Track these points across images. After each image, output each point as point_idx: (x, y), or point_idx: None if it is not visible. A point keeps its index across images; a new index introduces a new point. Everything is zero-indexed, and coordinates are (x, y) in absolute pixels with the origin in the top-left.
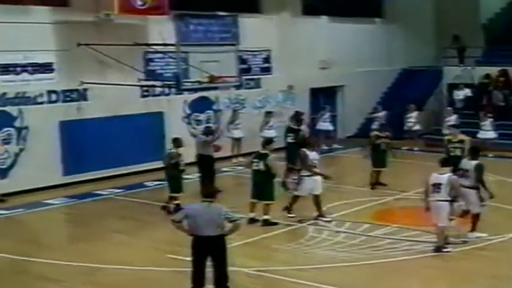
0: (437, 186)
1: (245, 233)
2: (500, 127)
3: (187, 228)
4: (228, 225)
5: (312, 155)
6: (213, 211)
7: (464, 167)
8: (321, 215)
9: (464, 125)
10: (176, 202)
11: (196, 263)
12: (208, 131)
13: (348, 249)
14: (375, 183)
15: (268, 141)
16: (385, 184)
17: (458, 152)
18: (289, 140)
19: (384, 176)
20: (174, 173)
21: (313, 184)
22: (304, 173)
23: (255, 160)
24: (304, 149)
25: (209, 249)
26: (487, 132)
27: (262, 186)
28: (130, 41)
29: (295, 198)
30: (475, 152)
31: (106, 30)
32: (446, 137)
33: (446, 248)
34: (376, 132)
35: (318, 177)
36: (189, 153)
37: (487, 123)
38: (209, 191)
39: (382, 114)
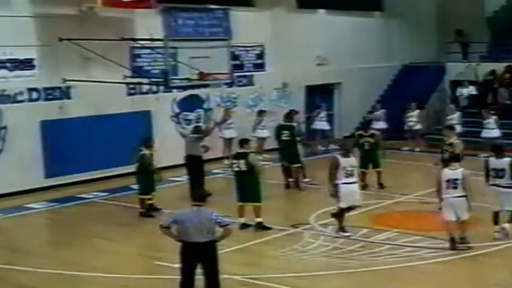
0: (452, 182)
1: (236, 239)
2: (505, 126)
3: (176, 234)
4: (219, 231)
5: (348, 161)
6: (203, 216)
7: (496, 166)
8: (342, 228)
9: (468, 124)
10: (150, 202)
11: (185, 270)
12: (197, 131)
13: (346, 256)
14: (364, 185)
15: (245, 140)
16: (382, 186)
17: (445, 155)
18: (284, 137)
19: (382, 177)
20: (147, 175)
21: (353, 193)
22: (342, 180)
23: (234, 161)
24: (337, 155)
25: (199, 256)
26: (491, 130)
27: (246, 188)
28: (116, 36)
29: (342, 211)
30: (499, 149)
31: (90, 24)
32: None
33: (465, 243)
34: (360, 131)
35: (356, 186)
36: (178, 155)
37: (491, 121)
38: (199, 194)
39: (380, 112)
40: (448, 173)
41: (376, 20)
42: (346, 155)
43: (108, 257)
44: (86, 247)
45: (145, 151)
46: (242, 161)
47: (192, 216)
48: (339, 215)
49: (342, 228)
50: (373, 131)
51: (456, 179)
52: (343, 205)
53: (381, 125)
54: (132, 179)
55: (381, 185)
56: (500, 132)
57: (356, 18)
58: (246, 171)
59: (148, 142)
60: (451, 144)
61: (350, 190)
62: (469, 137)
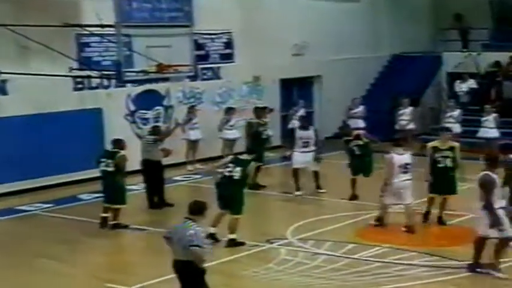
0: (403, 167)
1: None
2: (510, 125)
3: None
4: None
5: (402, 158)
6: (184, 232)
7: None
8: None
9: (467, 123)
10: (106, 215)
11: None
12: (156, 132)
13: (328, 275)
14: (354, 195)
15: (251, 151)
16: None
17: (449, 163)
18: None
19: (369, 184)
20: (122, 181)
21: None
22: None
23: (231, 165)
24: (392, 152)
25: (178, 275)
26: (489, 130)
27: (232, 197)
28: (59, 22)
29: (295, 172)
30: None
31: (28, 8)
32: (430, 144)
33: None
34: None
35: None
36: (133, 159)
37: (490, 118)
38: (195, 206)
39: (360, 109)
40: (398, 158)
41: (361, 5)
42: (304, 127)
43: (52, 279)
44: (28, 268)
45: (123, 152)
46: (239, 169)
47: (176, 230)
48: (294, 174)
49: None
50: (359, 132)
51: (407, 164)
52: (294, 166)
53: (360, 124)
54: (81, 187)
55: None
56: (499, 132)
57: (338, 2)
58: (238, 180)
59: (121, 143)
60: (452, 148)
61: (302, 156)
62: (469, 138)
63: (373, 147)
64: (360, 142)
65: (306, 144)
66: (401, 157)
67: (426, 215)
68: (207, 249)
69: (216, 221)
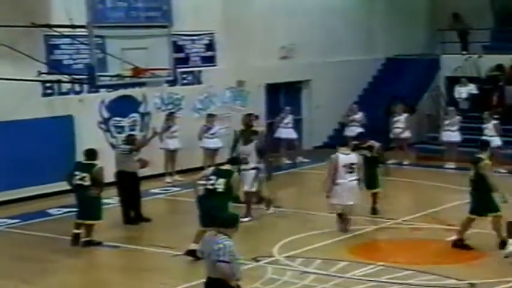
0: (349, 167)
1: (182, 275)
2: None
3: None
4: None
5: (347, 158)
6: (211, 245)
7: None
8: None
9: (467, 131)
10: (78, 232)
11: None
12: (131, 141)
13: None
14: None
15: (235, 160)
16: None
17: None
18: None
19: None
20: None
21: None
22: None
23: (213, 177)
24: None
25: None
26: (490, 138)
27: (216, 211)
28: (26, 22)
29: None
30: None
31: None
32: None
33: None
34: (355, 142)
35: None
36: (107, 170)
37: (490, 125)
38: (225, 218)
39: (359, 116)
40: (343, 157)
41: (353, 3)
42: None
43: None
44: None
45: (100, 164)
46: (222, 181)
47: (208, 244)
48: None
49: None
50: (371, 143)
51: (352, 164)
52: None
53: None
54: (50, 201)
55: (374, 210)
56: (501, 141)
57: (330, 1)
58: (221, 193)
59: (95, 154)
60: (370, 148)
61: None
62: (470, 147)
63: (383, 158)
64: (368, 153)
65: (245, 161)
66: (346, 157)
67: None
68: (237, 265)
69: (199, 237)
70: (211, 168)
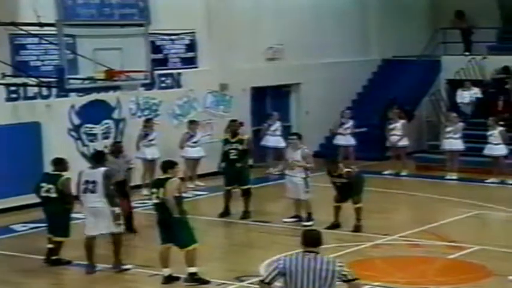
0: (91, 183)
1: None
2: None
3: None
4: None
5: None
6: (320, 267)
7: None
8: None
9: (470, 138)
10: (51, 246)
11: None
12: (118, 148)
13: None
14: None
15: (170, 163)
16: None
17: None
18: (233, 156)
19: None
20: (69, 209)
21: None
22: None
23: (154, 190)
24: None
25: None
26: (495, 146)
27: (171, 226)
28: None
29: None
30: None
31: None
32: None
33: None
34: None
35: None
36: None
37: (495, 132)
38: (314, 236)
39: (350, 124)
40: (86, 173)
41: (347, 1)
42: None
43: None
44: None
45: (67, 175)
46: (163, 190)
47: (306, 267)
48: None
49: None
50: (349, 169)
51: (94, 181)
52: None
53: (349, 141)
54: (15, 216)
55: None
56: (508, 149)
57: None
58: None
59: (64, 164)
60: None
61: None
62: (474, 156)
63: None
64: (344, 180)
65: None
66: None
67: None
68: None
69: (165, 259)
70: (151, 180)
